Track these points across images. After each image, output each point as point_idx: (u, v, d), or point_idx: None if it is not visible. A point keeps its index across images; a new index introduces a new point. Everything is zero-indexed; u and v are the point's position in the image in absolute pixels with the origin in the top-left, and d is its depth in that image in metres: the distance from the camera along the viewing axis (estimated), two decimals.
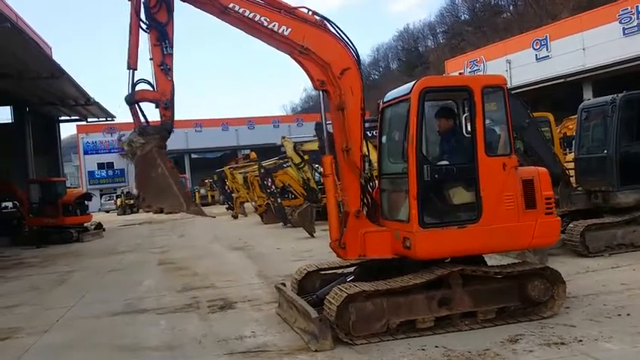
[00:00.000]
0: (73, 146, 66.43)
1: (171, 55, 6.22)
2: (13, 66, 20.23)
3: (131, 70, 6.20)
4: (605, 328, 5.85)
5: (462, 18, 67.03)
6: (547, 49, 31.40)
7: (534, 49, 32.12)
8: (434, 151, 6.88)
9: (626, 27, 26.62)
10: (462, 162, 6.48)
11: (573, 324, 6.09)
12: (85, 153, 60.58)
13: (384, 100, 7.24)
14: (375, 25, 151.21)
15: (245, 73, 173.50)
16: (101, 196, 56.48)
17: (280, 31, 6.40)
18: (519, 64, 32.91)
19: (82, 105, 28.83)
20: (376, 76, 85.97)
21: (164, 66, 6.17)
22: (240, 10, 6.29)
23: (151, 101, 6.19)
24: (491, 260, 7.99)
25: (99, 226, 25.61)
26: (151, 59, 6.18)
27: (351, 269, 7.27)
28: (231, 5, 6.25)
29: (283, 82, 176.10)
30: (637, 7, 26.18)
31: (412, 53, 77.58)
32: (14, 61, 19.66)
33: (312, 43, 6.45)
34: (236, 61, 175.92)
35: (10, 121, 30.59)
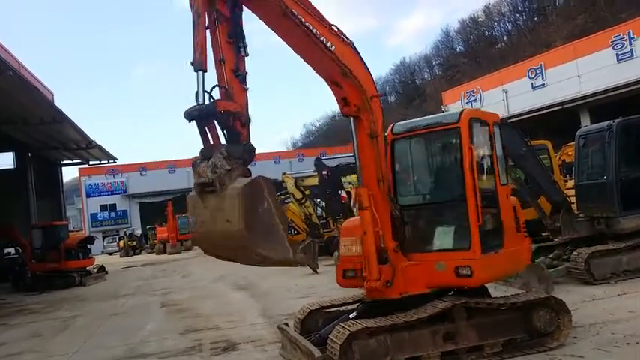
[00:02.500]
0: (76, 189, 66.68)
1: (244, 58, 5.19)
2: (17, 112, 20.56)
3: (201, 72, 4.83)
4: (615, 358, 5.74)
5: (457, 50, 68.10)
6: (542, 78, 31.81)
7: (530, 77, 32.55)
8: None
9: (619, 53, 27.02)
10: (491, 189, 6.67)
11: (581, 354, 5.99)
12: (88, 196, 60.82)
13: (396, 131, 7.08)
14: (372, 59, 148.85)
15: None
16: (104, 238, 56.43)
17: (328, 45, 5.86)
18: (515, 93, 33.29)
19: (84, 148, 29.10)
20: None
21: (239, 72, 5.08)
22: (299, 17, 5.57)
23: (231, 114, 4.90)
24: (496, 291, 7.92)
25: (101, 268, 25.48)
26: (221, 61, 5.01)
27: (354, 306, 7.19)
28: (290, 9, 5.48)
29: (284, 117, 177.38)
30: (629, 33, 26.64)
31: (409, 86, 78.52)
32: (18, 108, 19.99)
33: (351, 64, 6.09)
34: None
35: (12, 167, 30.81)
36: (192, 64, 4.82)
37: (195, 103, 4.79)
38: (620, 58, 26.97)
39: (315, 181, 19.06)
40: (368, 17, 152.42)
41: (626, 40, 26.72)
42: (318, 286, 13.32)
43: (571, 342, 6.39)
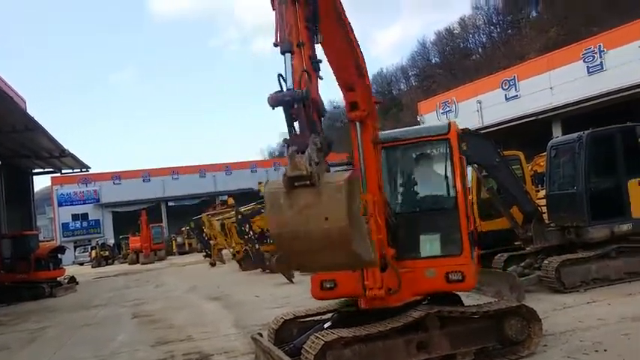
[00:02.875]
0: (47, 198, 65.42)
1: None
2: None
3: (289, 55, 4.35)
4: None
5: (433, 61, 69.03)
6: (516, 89, 32.37)
7: (503, 89, 33.08)
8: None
9: (590, 66, 27.64)
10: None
11: None
12: (60, 205, 59.56)
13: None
14: None
15: (220, 117, 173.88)
16: (75, 248, 55.28)
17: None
18: (489, 104, 33.78)
19: (57, 157, 28.56)
20: None
21: (315, 60, 4.62)
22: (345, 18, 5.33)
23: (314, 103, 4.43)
24: (469, 300, 7.98)
25: (72, 279, 24.98)
26: (299, 45, 4.44)
27: (329, 316, 7.17)
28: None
29: (260, 126, 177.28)
30: (599, 46, 27.29)
31: (386, 96, 79.15)
32: None
33: (364, 67, 5.99)
34: (210, 103, 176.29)
35: None
36: (276, 45, 4.41)
37: (280, 89, 4.31)
38: (591, 70, 27.58)
39: None
40: None
41: (596, 53, 27.35)
42: (293, 295, 13.26)
43: (542, 350, 6.47)
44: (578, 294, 9.56)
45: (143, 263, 39.64)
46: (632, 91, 24.59)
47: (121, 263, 45.24)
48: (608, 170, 10.80)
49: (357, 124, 6.25)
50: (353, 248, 4.20)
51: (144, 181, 61.81)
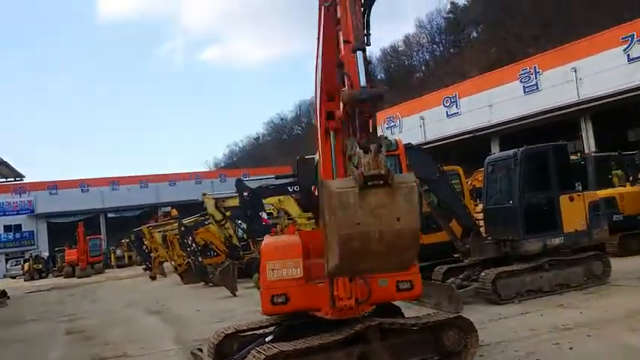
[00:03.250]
0: None
1: None
2: None
3: (361, 52, 4.36)
4: None
5: (379, 77, 70.22)
6: (457, 106, 33.49)
7: (445, 106, 34.17)
8: None
9: (526, 85, 28.98)
10: None
11: None
12: None
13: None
14: (297, 83, 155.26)
15: (164, 127, 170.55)
16: (7, 260, 52.68)
17: None
18: (432, 120, 34.79)
19: None
20: (299, 132, 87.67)
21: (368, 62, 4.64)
22: None
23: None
24: (410, 311, 8.13)
25: (3, 293, 23.79)
26: (346, 41, 4.56)
27: (271, 329, 7.11)
28: None
29: (207, 137, 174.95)
30: (534, 67, 28.67)
31: None
32: None
33: None
34: (154, 113, 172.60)
35: None
36: (348, 42, 4.44)
37: (357, 87, 4.30)
38: (527, 90, 28.91)
39: (236, 202, 18.81)
40: (295, 41, 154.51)
41: (532, 74, 28.70)
42: (236, 309, 13.08)
43: None
44: (512, 305, 9.89)
45: (80, 277, 38.19)
46: (565, 111, 25.96)
47: (56, 276, 43.41)
48: (541, 186, 11.25)
49: (332, 133, 6.18)
50: (416, 251, 4.22)
51: (82, 191, 59.82)
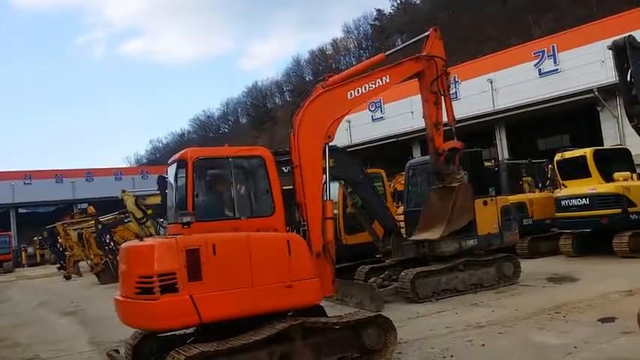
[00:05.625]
0: None
1: None
2: None
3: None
4: None
5: (307, 79, 70.75)
6: (381, 111, 34.37)
7: (370, 110, 34.92)
8: None
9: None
10: None
11: None
12: None
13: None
14: (225, 80, 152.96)
15: (82, 120, 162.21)
16: None
17: None
18: (358, 123, 35.41)
19: None
20: (226, 130, 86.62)
21: None
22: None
23: None
24: (334, 310, 8.27)
25: None
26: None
27: (191, 330, 7.01)
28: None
29: (127, 132, 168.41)
30: (454, 77, 29.87)
31: (261, 109, 79.78)
32: None
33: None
34: (72, 105, 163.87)
35: None
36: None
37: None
38: None
39: (158, 200, 18.30)
40: (226, 39, 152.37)
41: (451, 83, 29.90)
42: None
43: (397, 357, 6.87)
44: (430, 304, 10.29)
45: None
46: (481, 120, 27.32)
47: None
48: None
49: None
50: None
51: None
